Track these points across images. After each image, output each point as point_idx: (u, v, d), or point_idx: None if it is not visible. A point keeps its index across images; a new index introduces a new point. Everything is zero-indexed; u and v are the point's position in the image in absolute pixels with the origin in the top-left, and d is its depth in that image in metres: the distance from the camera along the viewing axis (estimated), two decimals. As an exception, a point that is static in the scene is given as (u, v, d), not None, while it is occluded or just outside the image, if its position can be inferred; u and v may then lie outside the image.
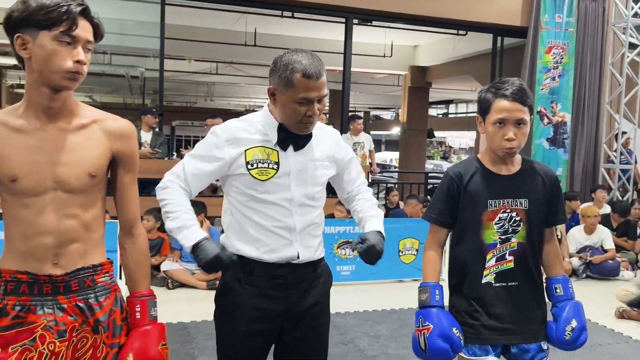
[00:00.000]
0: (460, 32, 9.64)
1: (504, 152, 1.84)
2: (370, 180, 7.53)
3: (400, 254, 5.60)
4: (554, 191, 1.96)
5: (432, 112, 24.77)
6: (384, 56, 11.95)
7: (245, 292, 1.82)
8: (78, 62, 1.42)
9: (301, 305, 1.85)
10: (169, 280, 5.14)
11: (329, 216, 5.92)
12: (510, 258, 1.90)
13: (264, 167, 1.79)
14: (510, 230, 1.89)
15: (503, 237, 1.89)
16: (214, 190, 6.55)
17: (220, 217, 1.99)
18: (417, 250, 5.61)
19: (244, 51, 10.67)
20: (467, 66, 11.80)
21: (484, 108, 1.85)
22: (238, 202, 1.83)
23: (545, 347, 1.95)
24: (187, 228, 1.75)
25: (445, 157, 32.12)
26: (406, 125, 14.24)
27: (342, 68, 7.84)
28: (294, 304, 1.84)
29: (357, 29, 7.83)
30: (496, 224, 1.89)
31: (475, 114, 2.27)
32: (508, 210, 1.89)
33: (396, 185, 9.38)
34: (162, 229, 5.69)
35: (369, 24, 8.37)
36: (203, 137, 1.91)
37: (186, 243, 1.73)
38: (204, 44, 10.46)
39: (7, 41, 1.44)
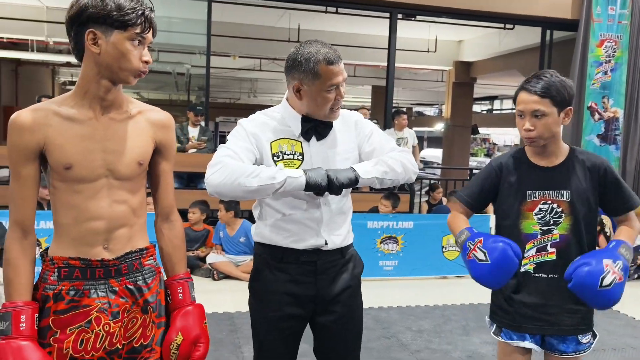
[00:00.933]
0: (507, 26, 9.43)
1: (526, 141, 1.91)
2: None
3: (444, 250, 5.54)
4: (605, 180, 1.91)
5: (476, 108, 24.29)
6: (428, 51, 11.81)
7: (276, 278, 1.87)
8: (146, 62, 1.51)
9: (331, 291, 1.89)
10: (215, 272, 5.26)
11: (373, 210, 5.90)
12: (552, 250, 1.91)
13: (290, 159, 1.82)
14: (551, 221, 1.91)
15: (544, 228, 1.91)
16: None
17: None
18: (461, 246, 5.54)
19: (288, 47, 10.69)
20: (513, 61, 11.53)
21: (514, 100, 1.95)
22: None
23: (584, 341, 1.94)
24: (277, 170, 1.72)
25: (489, 155, 31.47)
26: (450, 122, 14.06)
27: (386, 64, 7.80)
28: (324, 289, 1.88)
29: (401, 24, 7.76)
30: (536, 214, 1.92)
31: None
32: (549, 202, 1.91)
33: (439, 182, 9.28)
34: (207, 221, 5.80)
35: (413, 19, 8.29)
36: None
37: (294, 174, 1.71)
38: (248, 40, 10.57)
39: (61, 39, 1.50)
